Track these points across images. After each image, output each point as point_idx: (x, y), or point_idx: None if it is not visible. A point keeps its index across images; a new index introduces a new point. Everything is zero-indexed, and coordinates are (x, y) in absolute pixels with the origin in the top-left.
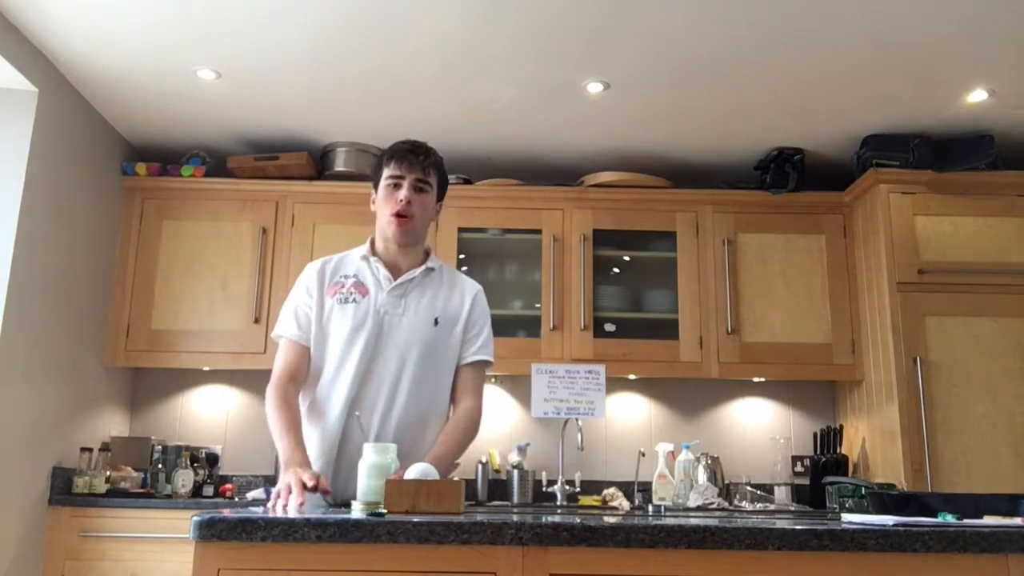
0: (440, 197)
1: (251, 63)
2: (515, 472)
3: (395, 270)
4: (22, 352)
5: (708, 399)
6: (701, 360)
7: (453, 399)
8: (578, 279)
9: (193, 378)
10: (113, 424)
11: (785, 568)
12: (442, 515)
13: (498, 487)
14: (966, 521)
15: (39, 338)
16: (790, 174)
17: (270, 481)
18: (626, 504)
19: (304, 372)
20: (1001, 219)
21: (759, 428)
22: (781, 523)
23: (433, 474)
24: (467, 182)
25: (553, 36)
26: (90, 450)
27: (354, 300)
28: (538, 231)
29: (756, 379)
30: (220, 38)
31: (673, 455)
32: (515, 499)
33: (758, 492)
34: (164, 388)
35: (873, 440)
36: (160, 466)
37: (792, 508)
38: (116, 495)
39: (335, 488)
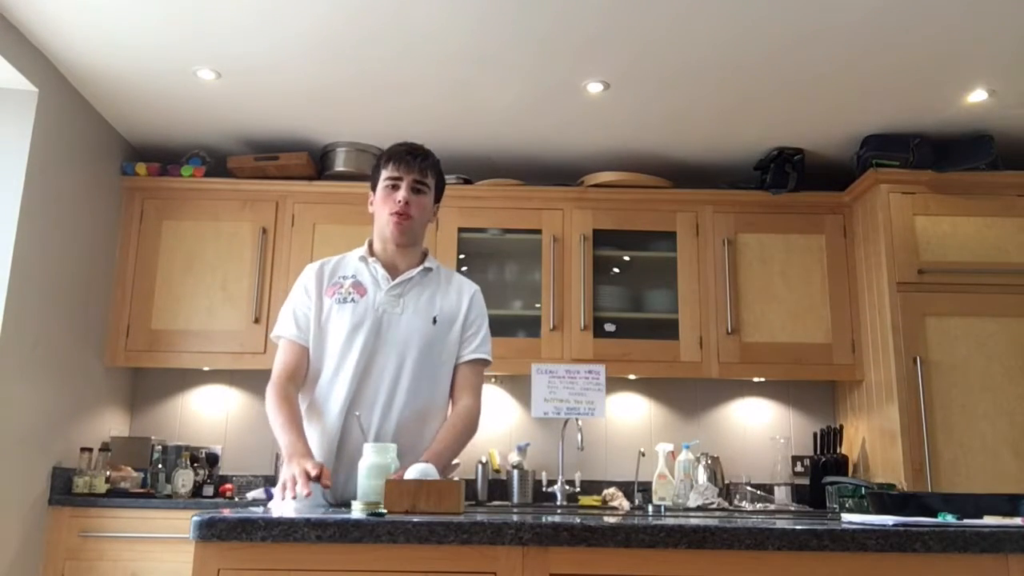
0: (437, 199)
1: (251, 63)
2: (515, 472)
3: (393, 270)
4: (22, 352)
5: (708, 399)
6: (701, 360)
7: (452, 398)
8: (578, 279)
9: (193, 378)
10: (113, 424)
11: (785, 568)
12: (442, 515)
13: (498, 487)
14: (966, 521)
15: (39, 338)
16: (790, 174)
17: (270, 481)
18: (626, 504)
19: (303, 372)
20: (1001, 219)
21: (759, 428)
22: (781, 523)
23: (433, 474)
24: (467, 182)
25: (553, 36)
26: (90, 450)
27: (352, 300)
28: (538, 231)
29: (756, 379)
30: (220, 38)
31: (673, 455)
32: (515, 499)
33: (758, 492)
34: (164, 388)
35: (873, 440)
36: (160, 466)
37: (792, 508)
38: (116, 495)
39: (335, 488)
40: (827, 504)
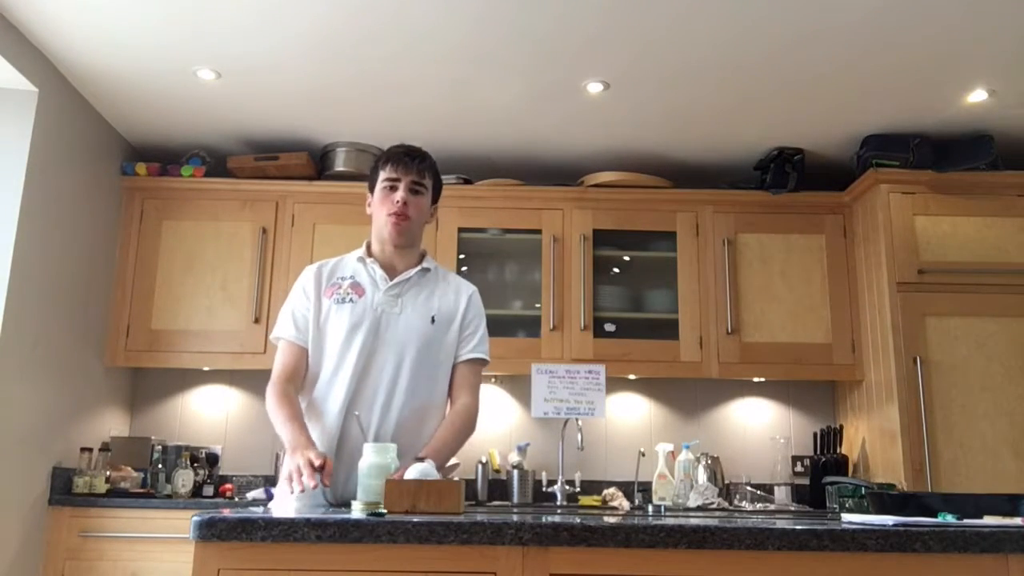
0: (435, 200)
1: (251, 63)
2: (515, 472)
3: (391, 271)
4: (22, 352)
5: (708, 399)
6: (701, 360)
7: (450, 396)
8: (578, 279)
9: (193, 378)
10: (113, 424)
11: (785, 568)
12: (442, 515)
13: (498, 487)
14: (966, 521)
15: (39, 338)
16: (790, 174)
17: (270, 481)
18: (626, 504)
19: (302, 373)
20: (1001, 219)
21: (759, 428)
22: (781, 523)
23: (433, 474)
24: (467, 182)
25: (553, 36)
26: (90, 450)
27: (351, 300)
28: (538, 231)
29: (756, 379)
30: (220, 38)
31: (673, 455)
32: (515, 499)
33: (758, 492)
34: (164, 388)
35: (873, 440)
36: (160, 466)
37: (792, 508)
38: (116, 495)
39: (335, 488)
40: (827, 504)
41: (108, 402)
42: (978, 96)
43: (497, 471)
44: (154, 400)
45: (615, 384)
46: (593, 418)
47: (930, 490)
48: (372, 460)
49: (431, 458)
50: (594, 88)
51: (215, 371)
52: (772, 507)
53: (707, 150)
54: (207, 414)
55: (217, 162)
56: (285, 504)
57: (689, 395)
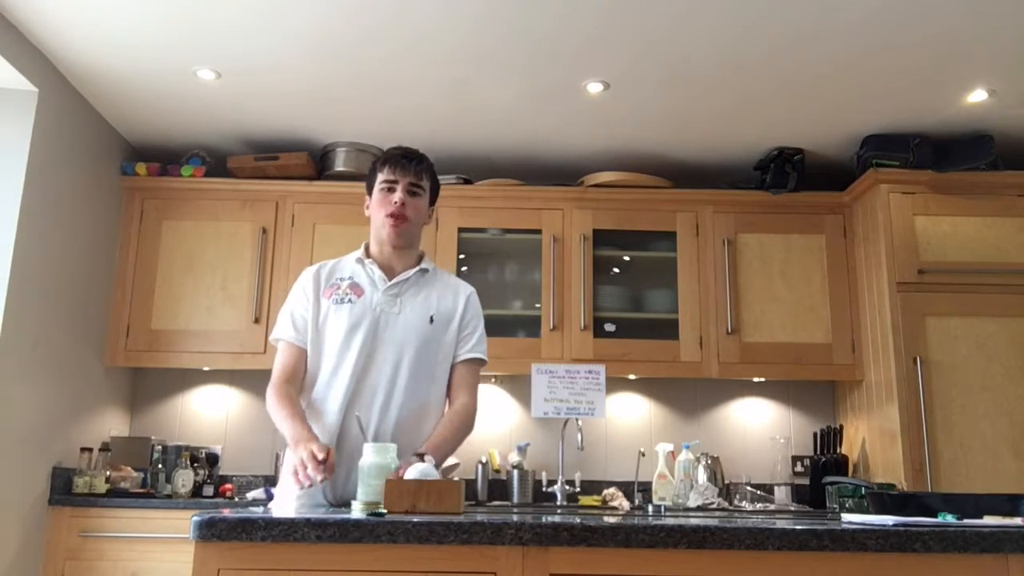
0: (432, 201)
1: (251, 63)
2: (515, 472)
3: (390, 272)
4: (22, 352)
5: (708, 399)
6: (701, 360)
7: (448, 396)
8: (578, 279)
9: (193, 378)
10: (113, 424)
11: (785, 568)
12: (442, 515)
13: (498, 487)
14: (966, 521)
15: (39, 338)
16: (790, 174)
17: (270, 481)
18: (626, 504)
19: (302, 373)
20: (1001, 219)
21: (759, 428)
22: (781, 523)
23: (433, 474)
24: (467, 182)
25: (553, 36)
26: (90, 450)
27: (350, 300)
28: (538, 231)
29: (756, 379)
30: (220, 38)
31: (673, 455)
32: (515, 499)
33: (758, 492)
34: (164, 388)
35: (873, 440)
36: (160, 466)
37: (792, 508)
38: (116, 495)
39: (335, 487)
40: (827, 504)
41: (108, 402)
42: (978, 96)
43: (497, 471)
44: (154, 400)
45: (615, 384)
46: (593, 418)
47: (930, 490)
48: (372, 460)
49: (431, 454)
50: (594, 88)
51: (215, 371)
52: (772, 507)
53: (707, 150)
54: (207, 414)
55: (217, 162)
56: (285, 504)
57: (689, 395)
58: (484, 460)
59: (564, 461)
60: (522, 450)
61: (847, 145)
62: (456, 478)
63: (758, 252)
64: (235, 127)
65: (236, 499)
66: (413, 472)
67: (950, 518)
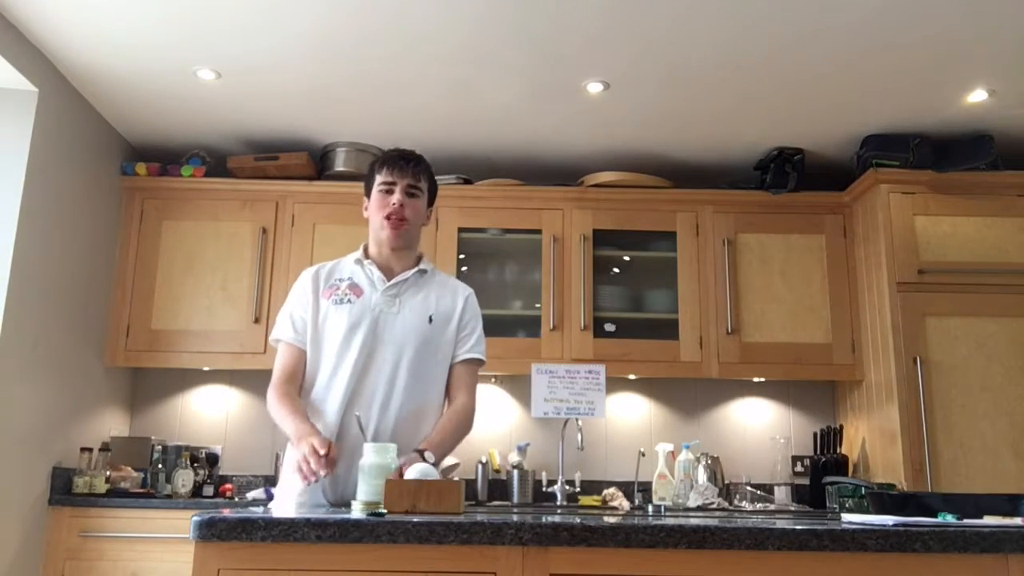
0: (430, 202)
1: (251, 63)
2: (515, 472)
3: (389, 273)
4: (22, 352)
5: (708, 399)
6: (701, 360)
7: (447, 396)
8: (578, 279)
9: (193, 378)
10: (113, 424)
11: (785, 568)
12: (442, 515)
13: (498, 487)
14: (966, 521)
15: (39, 338)
16: (790, 174)
17: (270, 481)
18: (626, 504)
19: (302, 374)
20: (1001, 219)
21: (759, 428)
22: (781, 523)
23: (433, 474)
24: (467, 182)
25: (553, 36)
26: (90, 450)
27: (349, 301)
28: (538, 231)
29: (756, 379)
30: (220, 38)
31: (673, 455)
32: (515, 499)
33: (758, 492)
34: (164, 388)
35: (873, 440)
36: (160, 466)
37: (792, 508)
38: (116, 495)
39: (335, 487)
40: (827, 504)
41: (108, 402)
42: (978, 96)
43: (497, 471)
44: (154, 400)
45: (615, 384)
46: (593, 418)
47: (930, 490)
48: (372, 460)
49: (430, 450)
50: (594, 88)
51: (215, 371)
52: (772, 507)
53: (707, 150)
54: (207, 414)
55: (217, 162)
56: (285, 504)
57: (689, 395)
58: (484, 460)
59: (564, 461)
60: (522, 450)
61: (847, 145)
62: (456, 478)
63: (758, 252)
64: (235, 127)
65: (236, 499)
66: (413, 472)
67: (950, 518)
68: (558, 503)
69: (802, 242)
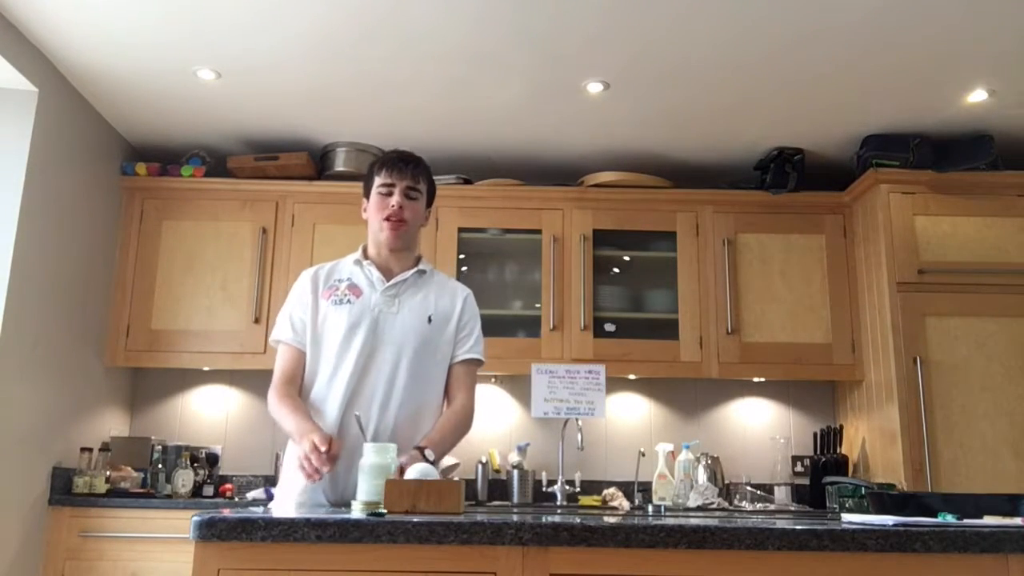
0: (429, 203)
1: (251, 63)
2: (515, 472)
3: (388, 274)
4: (22, 352)
5: (708, 399)
6: (701, 360)
7: (447, 396)
8: (578, 279)
9: (193, 378)
10: (113, 424)
11: (785, 568)
12: (442, 515)
13: (498, 487)
14: (966, 521)
15: (39, 338)
16: (790, 174)
17: (270, 481)
18: (626, 504)
19: (301, 374)
20: (1001, 219)
21: (759, 428)
22: (781, 523)
23: (433, 474)
24: (467, 182)
25: (553, 36)
26: (90, 450)
27: (349, 301)
28: (538, 231)
29: (756, 379)
30: (220, 38)
31: (673, 455)
32: (515, 499)
33: (758, 492)
34: (164, 388)
35: (873, 440)
36: (160, 466)
37: (792, 508)
38: (116, 495)
39: (335, 487)
40: (827, 504)
41: (108, 402)
42: (978, 96)
43: (497, 471)
44: (154, 400)
45: (615, 384)
46: (593, 418)
47: (930, 490)
48: (372, 460)
49: (430, 448)
50: (594, 88)
51: (215, 371)
52: (772, 507)
53: (707, 150)
54: (207, 414)
55: (217, 162)
56: (286, 503)
57: (689, 395)
58: (484, 460)
59: (564, 461)
60: (522, 450)
61: (847, 145)
62: (456, 478)
63: (758, 252)
64: (235, 127)
65: (236, 499)
66: (413, 472)
67: (950, 518)
68: (558, 503)
69: (802, 242)
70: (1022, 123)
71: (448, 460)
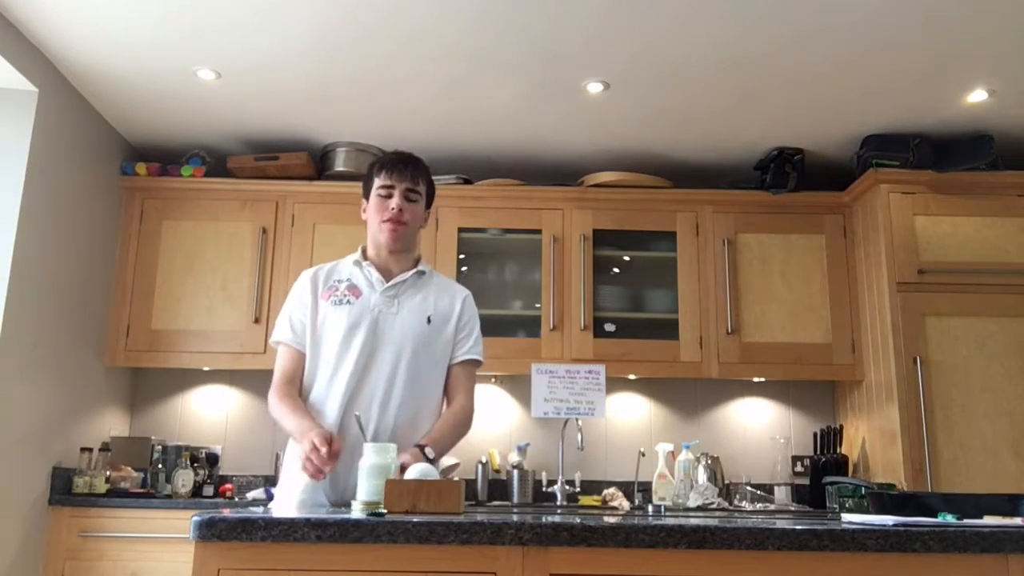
0: (428, 204)
1: (251, 63)
2: (515, 472)
3: (387, 274)
4: (22, 352)
5: (708, 399)
6: (701, 360)
7: (446, 396)
8: (578, 279)
9: (193, 378)
10: (113, 424)
11: (785, 568)
12: (442, 515)
13: (498, 487)
14: (966, 521)
15: (39, 338)
16: (790, 174)
17: (270, 481)
18: (626, 504)
19: (301, 375)
20: (1001, 219)
21: (759, 428)
22: (781, 523)
23: (433, 474)
24: (467, 182)
25: (553, 36)
26: (90, 450)
27: (348, 301)
28: (538, 231)
29: (756, 379)
30: (220, 38)
31: (673, 455)
32: (515, 499)
33: (758, 492)
34: (164, 388)
35: (873, 440)
36: (160, 466)
37: (792, 508)
38: (116, 495)
39: (335, 487)
40: (827, 504)
41: (108, 402)
42: (978, 96)
43: (497, 471)
44: (154, 400)
45: (615, 384)
46: (593, 418)
47: (930, 490)
48: (372, 460)
49: (430, 446)
50: (594, 88)
51: (215, 371)
52: (772, 507)
53: (707, 150)
54: (207, 414)
55: (217, 162)
56: (286, 502)
57: (689, 395)
58: (484, 460)
59: (564, 461)
60: (522, 450)
61: (847, 145)
62: (456, 478)
63: (758, 252)
64: (235, 127)
65: (236, 499)
66: (413, 472)
67: (950, 518)
68: (558, 503)
69: (802, 242)
70: (1022, 123)
71: (448, 460)
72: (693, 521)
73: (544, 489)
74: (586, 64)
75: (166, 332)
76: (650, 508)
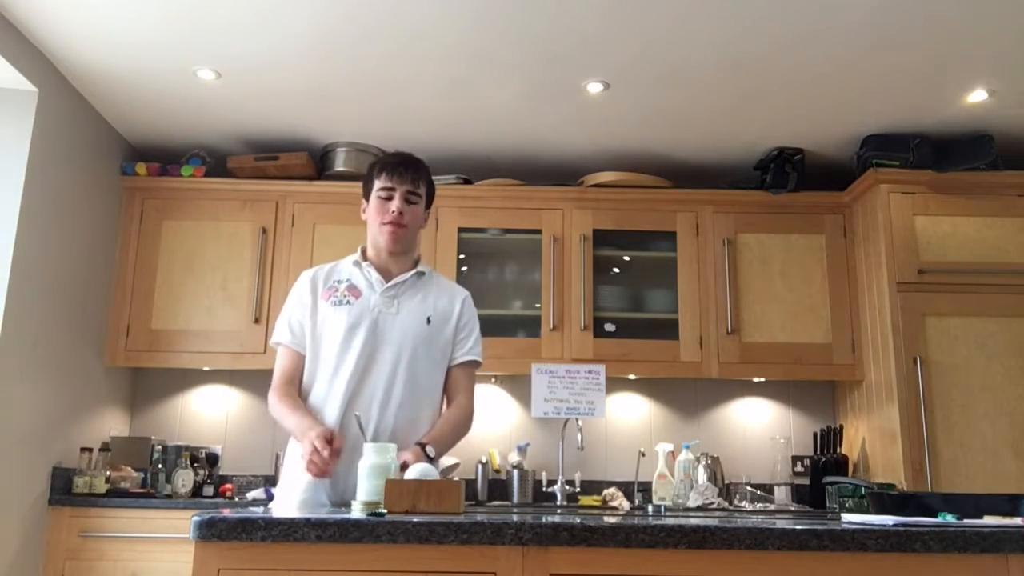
0: (428, 205)
1: (251, 63)
2: (515, 472)
3: (387, 275)
4: (22, 352)
5: (708, 399)
6: (701, 360)
7: (446, 397)
8: (578, 279)
9: (193, 378)
10: (113, 424)
11: (785, 568)
12: (442, 515)
13: (498, 487)
14: (966, 521)
15: (39, 338)
16: (790, 174)
17: (270, 481)
18: (626, 504)
19: (300, 376)
20: (1001, 219)
21: (759, 428)
22: (781, 523)
23: (433, 474)
24: (467, 182)
25: (553, 36)
26: (90, 450)
27: (348, 302)
28: (538, 231)
29: (756, 379)
30: (220, 38)
31: (673, 455)
32: (515, 499)
33: (758, 492)
34: (164, 388)
35: (873, 440)
36: (160, 466)
37: (792, 508)
38: (116, 495)
39: (335, 487)
40: (827, 504)
41: (108, 402)
42: (978, 96)
43: (497, 471)
44: (154, 400)
45: (615, 384)
46: (593, 418)
47: (930, 490)
48: (372, 460)
49: (431, 445)
50: (594, 88)
51: (215, 371)
52: (772, 507)
53: (707, 150)
54: (207, 414)
55: (217, 162)
56: (287, 500)
57: (689, 395)
58: (484, 460)
59: (564, 461)
60: (522, 450)
61: (847, 145)
62: (456, 478)
63: (758, 252)
64: (235, 127)
65: (236, 499)
66: (413, 472)
67: (950, 518)
68: (558, 503)
69: (802, 242)
70: (1022, 123)
71: (448, 460)
72: (693, 521)
73: (544, 489)
74: (586, 64)
75: (166, 332)
76: (650, 508)
